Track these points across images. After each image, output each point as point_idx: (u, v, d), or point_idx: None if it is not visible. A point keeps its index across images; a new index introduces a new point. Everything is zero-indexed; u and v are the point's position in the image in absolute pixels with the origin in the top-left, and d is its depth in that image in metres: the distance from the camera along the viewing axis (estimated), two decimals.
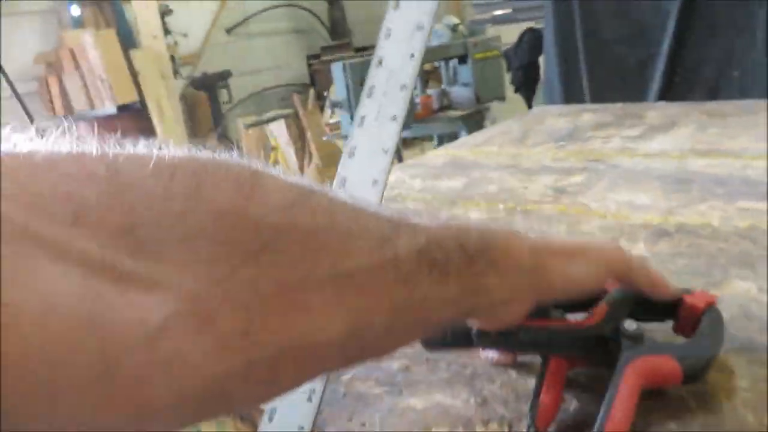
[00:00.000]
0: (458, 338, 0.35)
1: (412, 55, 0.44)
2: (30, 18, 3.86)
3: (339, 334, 0.24)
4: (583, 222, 0.69)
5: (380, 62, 0.45)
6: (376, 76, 0.45)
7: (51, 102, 4.03)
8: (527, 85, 2.20)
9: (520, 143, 1.11)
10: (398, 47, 0.44)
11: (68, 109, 4.05)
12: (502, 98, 3.00)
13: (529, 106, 2.41)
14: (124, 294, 0.19)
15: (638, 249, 0.60)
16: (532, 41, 2.06)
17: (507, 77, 2.36)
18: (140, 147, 0.24)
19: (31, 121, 2.46)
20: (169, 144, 0.25)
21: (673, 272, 0.54)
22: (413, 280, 0.27)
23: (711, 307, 0.37)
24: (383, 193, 0.44)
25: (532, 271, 0.32)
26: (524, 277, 0.31)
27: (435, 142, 2.82)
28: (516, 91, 2.29)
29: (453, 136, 2.54)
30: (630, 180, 0.81)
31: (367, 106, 0.45)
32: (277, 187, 0.25)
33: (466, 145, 1.15)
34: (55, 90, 3.97)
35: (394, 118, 0.44)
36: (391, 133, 0.43)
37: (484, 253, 0.30)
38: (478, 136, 1.25)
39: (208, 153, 0.25)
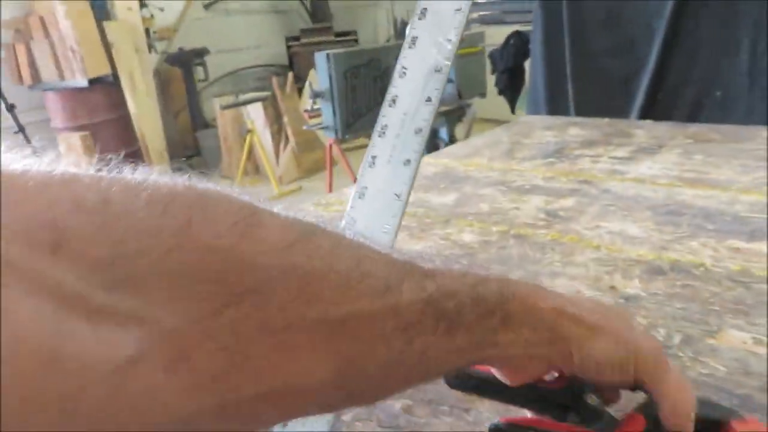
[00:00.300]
0: (484, 387, 0.34)
1: (429, 99, 0.43)
2: None
3: (325, 379, 0.24)
4: (577, 252, 0.70)
5: (393, 101, 0.43)
6: (388, 116, 0.43)
7: (18, 70, 3.88)
8: (512, 89, 2.21)
9: (508, 157, 1.11)
10: (413, 89, 0.43)
11: (36, 78, 3.91)
12: (483, 95, 3.01)
13: (513, 110, 2.42)
14: (95, 328, 0.19)
15: (634, 286, 0.61)
16: (518, 45, 2.06)
17: (491, 78, 2.37)
18: (139, 173, 0.23)
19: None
20: (171, 173, 0.24)
21: (671, 316, 0.55)
22: (414, 330, 0.26)
23: None
24: (395, 238, 0.43)
25: (551, 333, 0.29)
26: (542, 336, 0.29)
27: None
28: (500, 93, 2.30)
29: (433, 133, 2.54)
30: (621, 207, 0.82)
31: (378, 147, 0.43)
32: (276, 226, 0.24)
33: (455, 156, 1.15)
34: (23, 58, 3.82)
35: (408, 162, 0.42)
36: (404, 178, 0.42)
37: (501, 306, 0.28)
38: (467, 145, 1.25)
39: (210, 185, 0.24)
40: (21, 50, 3.82)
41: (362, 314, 0.25)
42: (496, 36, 2.73)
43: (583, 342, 0.30)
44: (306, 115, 2.96)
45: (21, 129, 2.45)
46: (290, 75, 4.21)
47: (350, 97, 2.34)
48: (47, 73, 3.85)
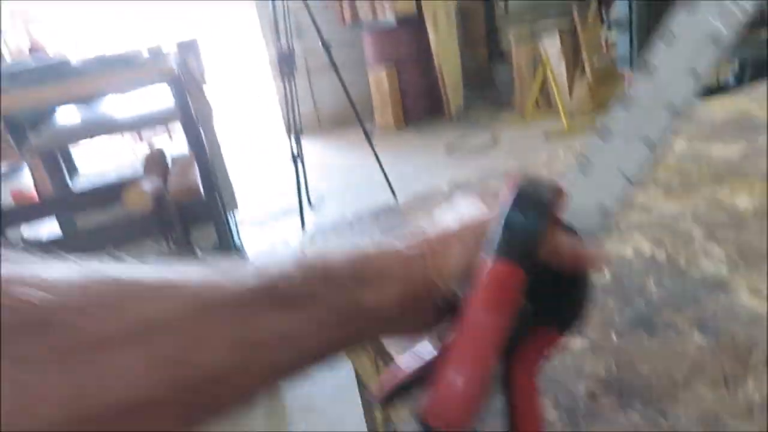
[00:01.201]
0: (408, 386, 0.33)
1: (694, 73, 0.33)
2: None
3: (151, 389, 0.23)
4: None
5: (649, 68, 0.35)
6: (638, 83, 0.35)
7: (342, 12, 4.38)
8: None
9: None
10: (677, 58, 0.34)
11: (355, 18, 4.37)
12: None
13: None
14: None
15: None
16: None
17: None
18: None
19: (319, 31, 2.69)
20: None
21: None
22: (248, 317, 0.26)
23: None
24: (611, 224, 0.36)
25: (407, 279, 0.31)
26: (400, 285, 0.31)
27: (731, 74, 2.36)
28: None
29: (760, 65, 2.11)
30: None
31: (616, 116, 0.36)
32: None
33: (753, 98, 0.94)
34: (345, 2, 4.30)
35: (648, 141, 0.34)
36: (637, 159, 0.34)
37: (354, 275, 0.30)
38: None
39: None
40: None
41: (180, 315, 0.25)
42: None
43: (439, 261, 0.32)
44: (604, 46, 2.73)
45: (334, 65, 2.77)
46: (593, 4, 3.90)
47: (650, 26, 2.07)
48: (363, 13, 4.26)
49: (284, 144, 3.15)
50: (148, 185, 1.78)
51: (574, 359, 0.45)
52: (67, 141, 2.15)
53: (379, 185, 3.14)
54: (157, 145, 3.10)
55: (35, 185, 3.90)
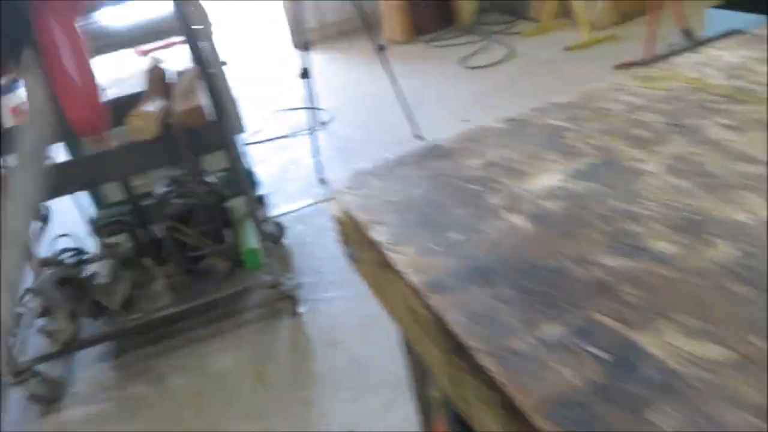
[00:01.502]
0: None
1: None
2: None
3: None
4: None
5: None
6: None
7: None
8: None
9: None
10: None
11: None
12: None
13: None
14: None
15: None
16: None
17: None
18: None
19: None
20: None
21: None
22: None
23: None
24: None
25: None
26: None
27: None
28: None
29: None
30: None
31: None
32: None
33: None
34: None
35: None
36: None
37: None
38: None
39: None
40: None
41: None
42: None
43: None
44: None
45: None
46: None
47: None
48: None
49: (290, 61, 3.00)
50: (153, 108, 1.69)
51: (719, 380, 0.35)
52: None
53: (390, 101, 3.02)
54: (157, 62, 2.95)
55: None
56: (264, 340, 1.93)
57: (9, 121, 3.76)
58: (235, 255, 1.97)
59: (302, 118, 3.30)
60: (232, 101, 2.27)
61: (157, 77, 1.98)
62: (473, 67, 3.60)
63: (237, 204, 2.09)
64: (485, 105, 3.11)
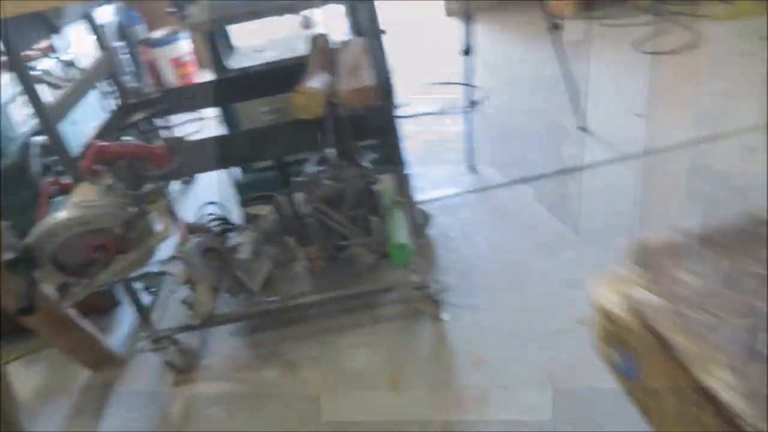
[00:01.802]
0: None
1: None
2: None
3: None
4: None
5: None
6: None
7: None
8: None
9: None
10: None
11: None
12: None
13: None
14: None
15: None
16: None
17: None
18: None
19: None
20: None
21: None
22: None
23: None
24: None
25: None
26: None
27: None
28: None
29: None
30: None
31: None
32: None
33: None
34: None
35: None
36: None
37: None
38: None
39: None
40: None
41: None
42: None
43: None
44: None
45: None
46: None
47: None
48: None
49: (442, 29, 2.77)
50: (318, 84, 1.55)
51: None
52: (222, 22, 1.96)
53: (552, 85, 2.72)
54: (309, 22, 2.84)
55: (197, 56, 3.87)
56: (402, 343, 1.79)
57: (169, 73, 3.86)
58: (382, 247, 1.82)
59: (454, 95, 3.07)
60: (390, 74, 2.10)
61: (321, 47, 1.84)
62: (650, 53, 3.18)
63: (385, 188, 1.93)
64: (663, 99, 2.71)
